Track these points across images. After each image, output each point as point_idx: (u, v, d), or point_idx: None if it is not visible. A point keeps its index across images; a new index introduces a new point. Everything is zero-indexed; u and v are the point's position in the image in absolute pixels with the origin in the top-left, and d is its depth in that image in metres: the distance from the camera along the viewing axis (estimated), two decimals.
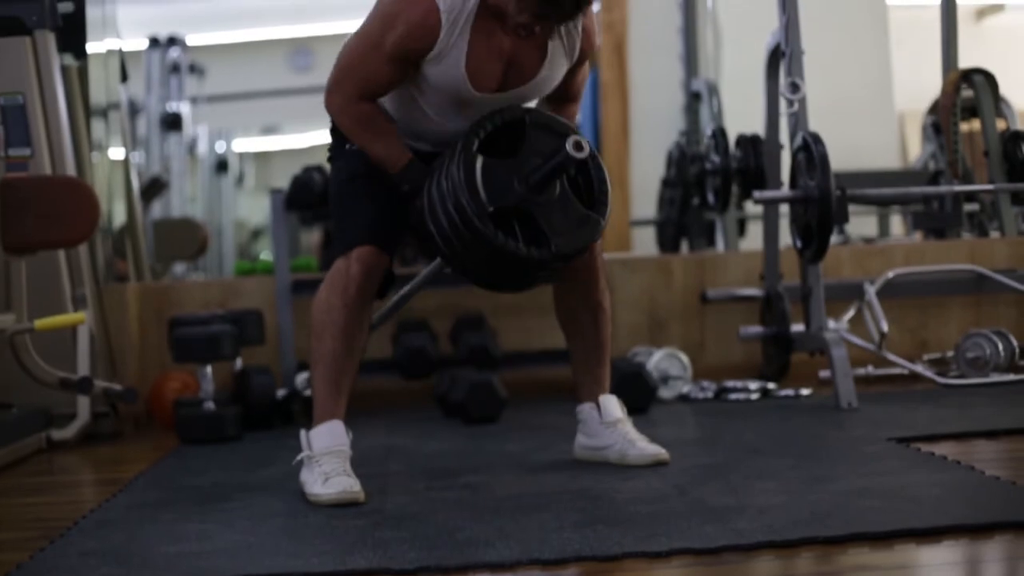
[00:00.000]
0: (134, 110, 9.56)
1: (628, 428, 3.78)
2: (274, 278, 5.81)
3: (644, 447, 3.70)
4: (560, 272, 3.60)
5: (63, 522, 3.33)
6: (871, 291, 5.37)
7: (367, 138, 3.54)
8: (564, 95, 3.68)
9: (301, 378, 5.22)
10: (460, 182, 3.35)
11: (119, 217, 6.06)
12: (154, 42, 10.67)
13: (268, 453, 4.42)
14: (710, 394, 5.32)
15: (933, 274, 5.97)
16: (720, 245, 7.19)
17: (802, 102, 5.00)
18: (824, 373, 5.41)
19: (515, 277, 3.52)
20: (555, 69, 3.54)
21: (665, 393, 5.30)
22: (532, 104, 3.66)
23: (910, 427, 4.18)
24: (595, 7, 3.52)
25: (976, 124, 6.30)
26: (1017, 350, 5.28)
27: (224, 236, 11.94)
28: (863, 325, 5.39)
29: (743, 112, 6.95)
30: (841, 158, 5.02)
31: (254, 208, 13.19)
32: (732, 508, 3.03)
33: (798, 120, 4.99)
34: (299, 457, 3.54)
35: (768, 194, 5.13)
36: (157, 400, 5.41)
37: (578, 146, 3.35)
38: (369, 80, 3.48)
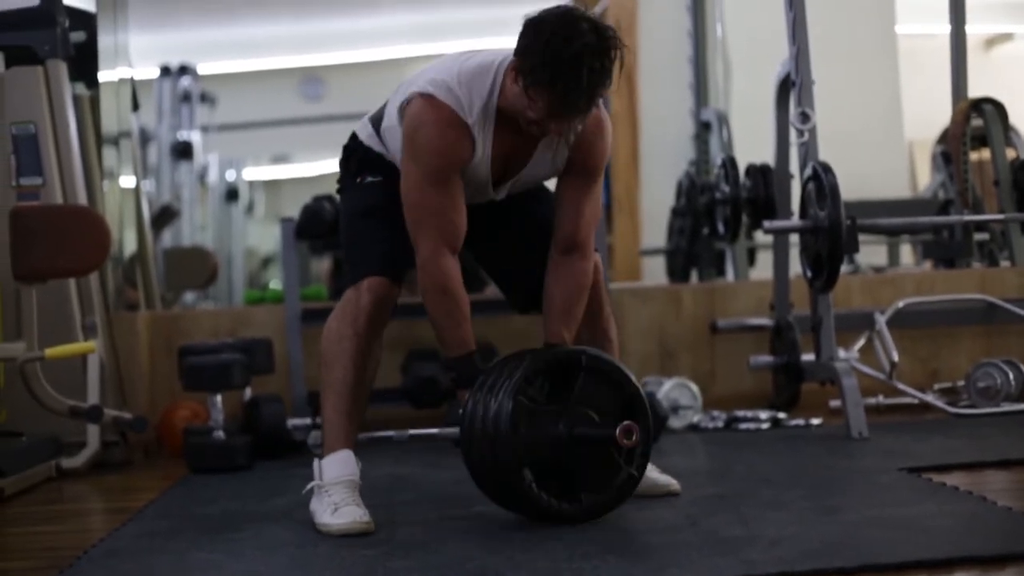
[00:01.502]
0: (145, 139, 9.58)
1: None
2: (284, 307, 5.81)
3: (655, 477, 3.69)
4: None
5: (72, 551, 3.33)
6: (881, 321, 5.36)
7: (438, 308, 3.48)
8: (583, 171, 3.58)
9: (314, 436, 5.14)
10: (503, 429, 3.30)
11: (130, 245, 6.06)
12: (165, 71, 10.71)
13: (278, 482, 4.41)
14: (720, 424, 5.31)
15: (943, 303, 5.96)
16: (730, 274, 7.20)
17: (812, 132, 5.00)
18: (835, 403, 5.40)
19: (528, 515, 3.43)
20: (550, 156, 3.53)
21: (675, 423, 5.29)
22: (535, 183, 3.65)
23: (921, 457, 4.17)
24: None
25: (986, 153, 6.30)
26: None
27: (234, 265, 11.96)
28: (873, 355, 5.38)
29: (753, 141, 6.95)
30: (850, 187, 5.02)
31: (264, 237, 13.20)
32: (743, 539, 3.02)
33: (808, 150, 4.99)
34: (309, 486, 3.54)
35: (778, 224, 5.14)
36: (167, 429, 5.41)
37: (627, 434, 3.28)
38: (445, 215, 3.44)
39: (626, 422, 3.29)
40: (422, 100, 3.42)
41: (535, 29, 3.26)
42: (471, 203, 3.54)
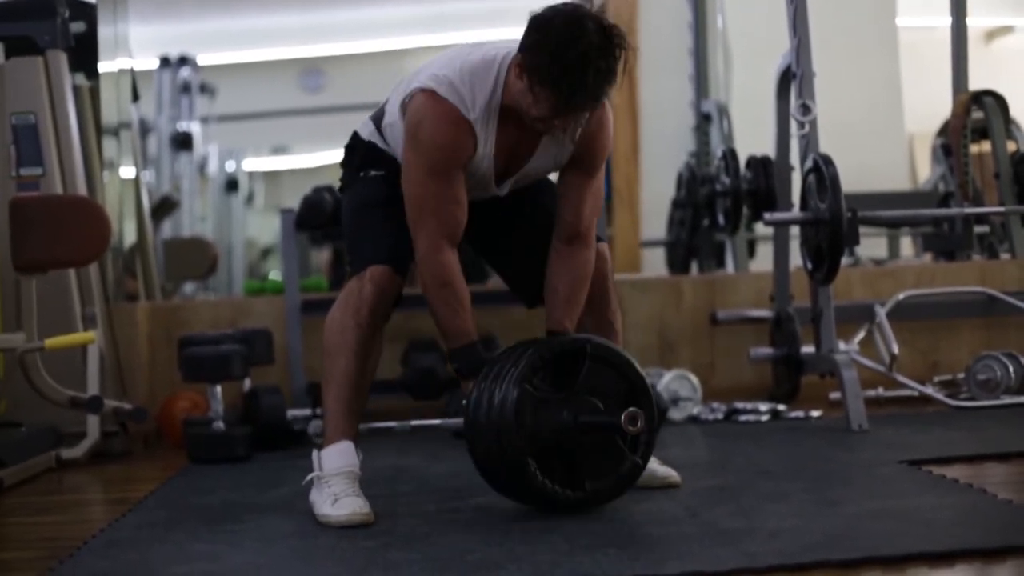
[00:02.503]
0: (145, 129, 9.58)
1: None
2: (284, 298, 5.82)
3: (655, 469, 3.69)
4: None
5: (72, 542, 3.33)
6: (881, 313, 5.36)
7: (439, 300, 3.48)
8: (585, 163, 3.59)
9: (314, 425, 5.15)
10: (509, 417, 3.30)
11: (129, 236, 6.06)
12: (165, 62, 10.71)
13: (277, 473, 4.41)
14: (720, 416, 5.31)
15: (944, 296, 5.96)
16: (730, 266, 7.19)
17: (813, 124, 5.00)
18: (834, 395, 5.39)
19: (533, 504, 3.44)
20: (554, 152, 3.53)
21: (675, 415, 5.30)
22: (537, 178, 3.65)
23: (921, 449, 4.17)
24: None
25: (986, 146, 6.30)
26: None
27: (234, 255, 11.96)
28: (873, 347, 5.38)
29: (753, 133, 6.94)
30: (851, 179, 5.01)
31: (264, 227, 13.20)
32: (743, 531, 3.02)
33: (809, 142, 4.98)
34: (309, 477, 3.54)
35: (779, 216, 5.14)
36: (167, 419, 5.41)
37: (632, 420, 3.29)
38: (446, 209, 3.44)
39: (631, 409, 3.30)
40: (424, 96, 3.41)
41: (541, 27, 3.25)
42: (474, 199, 3.54)
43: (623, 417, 3.29)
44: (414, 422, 3.81)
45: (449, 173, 3.43)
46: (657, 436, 3.52)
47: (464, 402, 3.46)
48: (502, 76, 3.40)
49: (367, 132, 3.70)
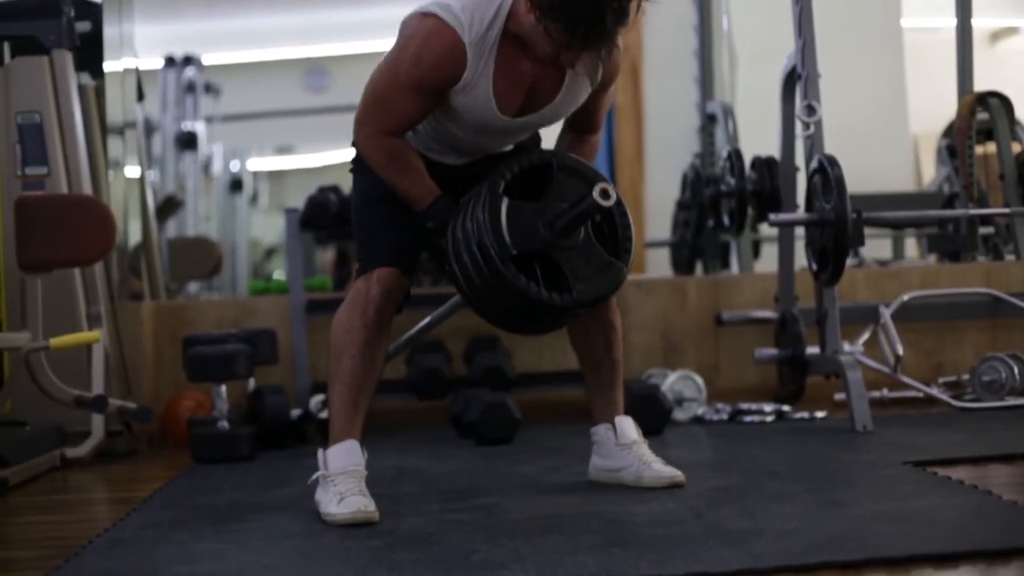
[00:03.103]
0: (150, 129, 9.57)
1: (644, 450, 3.77)
2: (288, 297, 5.82)
3: (660, 469, 3.69)
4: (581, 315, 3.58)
5: (77, 541, 3.33)
6: (886, 314, 5.36)
7: (394, 174, 3.53)
8: (586, 124, 3.67)
9: (315, 400, 5.21)
10: (484, 224, 3.34)
11: (134, 235, 6.07)
12: (170, 61, 10.71)
13: (282, 473, 4.42)
14: (725, 416, 5.31)
15: (948, 297, 5.96)
16: (735, 267, 7.19)
17: (818, 125, 5.00)
18: (839, 396, 5.39)
19: (536, 321, 3.51)
20: (573, 93, 3.53)
21: (680, 415, 5.30)
22: (558, 121, 3.66)
23: (926, 451, 4.16)
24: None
25: (991, 147, 6.30)
26: None
27: (238, 255, 11.96)
28: (878, 348, 5.38)
29: (758, 134, 6.95)
30: (855, 180, 5.01)
31: (268, 227, 13.20)
32: (748, 531, 3.02)
33: (814, 143, 4.98)
34: (314, 476, 3.54)
35: (784, 217, 5.13)
36: (171, 419, 5.42)
37: (605, 194, 3.33)
38: (397, 114, 3.47)
39: (601, 184, 3.35)
40: (419, 15, 3.43)
41: None
42: (475, 155, 3.54)
43: (595, 191, 3.33)
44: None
45: (421, 90, 3.42)
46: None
47: (442, 244, 3.49)
48: (506, 6, 3.38)
49: None
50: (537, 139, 3.80)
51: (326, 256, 10.72)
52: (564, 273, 3.40)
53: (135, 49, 6.24)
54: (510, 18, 3.38)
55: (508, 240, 3.34)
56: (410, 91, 3.42)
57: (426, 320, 4.26)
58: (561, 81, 3.49)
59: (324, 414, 5.05)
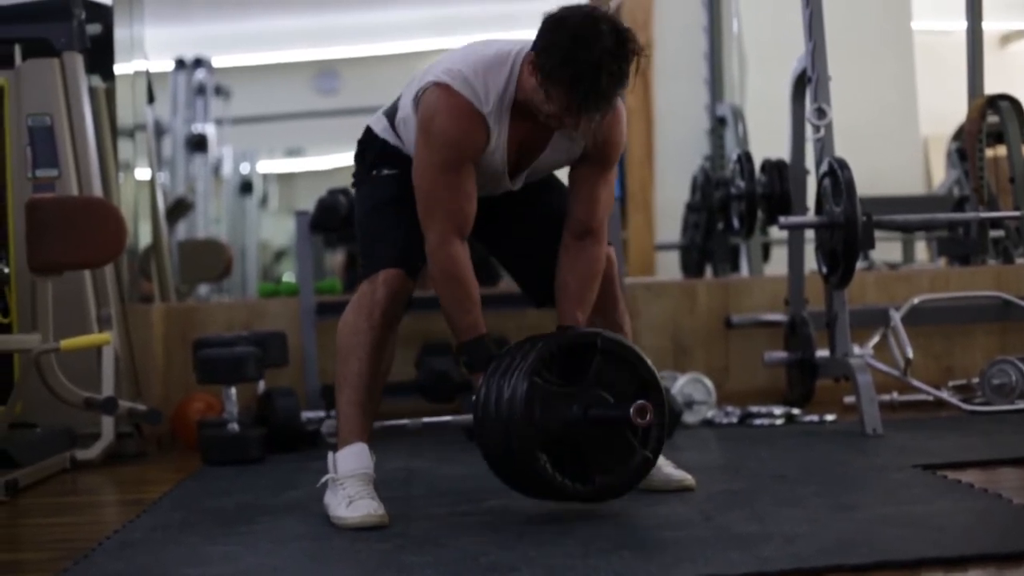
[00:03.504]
0: (160, 131, 9.59)
1: None
2: (298, 300, 5.82)
3: (669, 472, 3.69)
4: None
5: (87, 543, 3.34)
6: (896, 317, 5.35)
7: (449, 294, 3.49)
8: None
9: (328, 424, 5.16)
10: (518, 407, 3.29)
11: (144, 238, 6.07)
12: (180, 64, 10.73)
13: (292, 475, 4.42)
14: (734, 419, 5.31)
15: (958, 300, 5.95)
16: (744, 270, 7.18)
17: (828, 128, 5.00)
18: (849, 399, 5.39)
19: (541, 496, 3.44)
20: (565, 147, 3.53)
21: (689, 418, 5.29)
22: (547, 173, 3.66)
23: (936, 454, 4.16)
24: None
25: (1001, 150, 6.28)
26: None
27: (248, 257, 11.97)
28: (888, 351, 5.37)
29: (768, 137, 6.93)
30: (865, 183, 5.00)
31: (278, 230, 13.22)
32: (758, 535, 3.01)
33: (824, 145, 4.98)
34: (323, 479, 3.55)
35: (793, 220, 5.13)
36: (181, 421, 5.42)
37: (641, 413, 3.26)
38: (454, 202, 3.45)
39: (639, 401, 3.28)
40: (437, 89, 3.42)
41: (556, 28, 3.25)
42: (486, 195, 3.54)
43: (632, 409, 3.27)
44: (426, 419, 3.81)
45: (460, 167, 3.43)
46: (668, 432, 3.51)
47: (474, 397, 3.45)
48: (515, 71, 3.40)
49: (380, 128, 3.71)
50: (552, 180, 3.79)
51: (336, 259, 10.73)
52: (587, 458, 3.35)
53: (145, 51, 6.25)
54: (517, 84, 3.40)
55: (539, 430, 3.29)
56: (454, 174, 3.43)
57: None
58: (548, 136, 3.50)
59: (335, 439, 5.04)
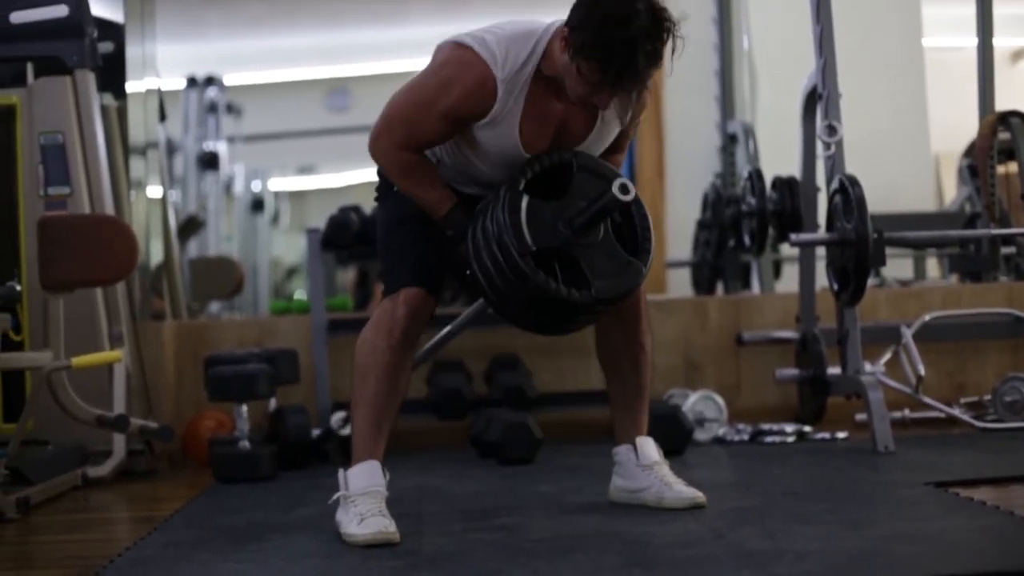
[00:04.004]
0: (172, 149, 9.61)
1: (665, 471, 3.76)
2: (309, 317, 5.83)
3: (681, 490, 3.69)
4: (601, 315, 3.59)
5: (98, 560, 3.34)
6: (908, 334, 5.35)
7: (411, 183, 3.54)
8: (611, 146, 3.67)
9: (336, 417, 5.22)
10: (504, 222, 3.35)
11: (156, 255, 6.08)
12: (192, 82, 10.75)
13: (303, 493, 4.42)
14: (746, 437, 5.30)
15: (970, 317, 5.94)
16: (756, 287, 7.18)
17: (839, 145, 5.00)
18: (860, 416, 5.38)
19: (556, 319, 3.51)
20: (602, 135, 3.55)
21: (701, 436, 5.29)
22: None
23: (948, 471, 4.15)
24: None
25: (1013, 167, 6.27)
26: None
27: (259, 275, 11.98)
28: (900, 368, 5.36)
29: (779, 154, 6.94)
30: (876, 200, 5.00)
31: (289, 247, 13.22)
32: (769, 553, 3.01)
33: (835, 162, 4.98)
34: (335, 497, 3.54)
35: (805, 237, 5.13)
36: (192, 438, 5.43)
37: (624, 189, 3.34)
38: (417, 135, 3.47)
39: (620, 180, 3.36)
40: (453, 44, 3.45)
41: (591, 4, 3.25)
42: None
43: (614, 188, 3.32)
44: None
45: (446, 117, 3.43)
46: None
47: (462, 249, 3.49)
48: (540, 47, 3.40)
49: None
50: None
51: (347, 276, 10.73)
52: (583, 270, 3.40)
53: (157, 69, 6.27)
54: (544, 59, 3.39)
55: (528, 237, 3.35)
56: (435, 116, 3.43)
57: (448, 328, 4.25)
58: (593, 123, 3.51)
59: (346, 431, 5.06)
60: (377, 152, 3.54)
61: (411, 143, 3.49)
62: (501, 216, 3.36)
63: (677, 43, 3.30)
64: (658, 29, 3.23)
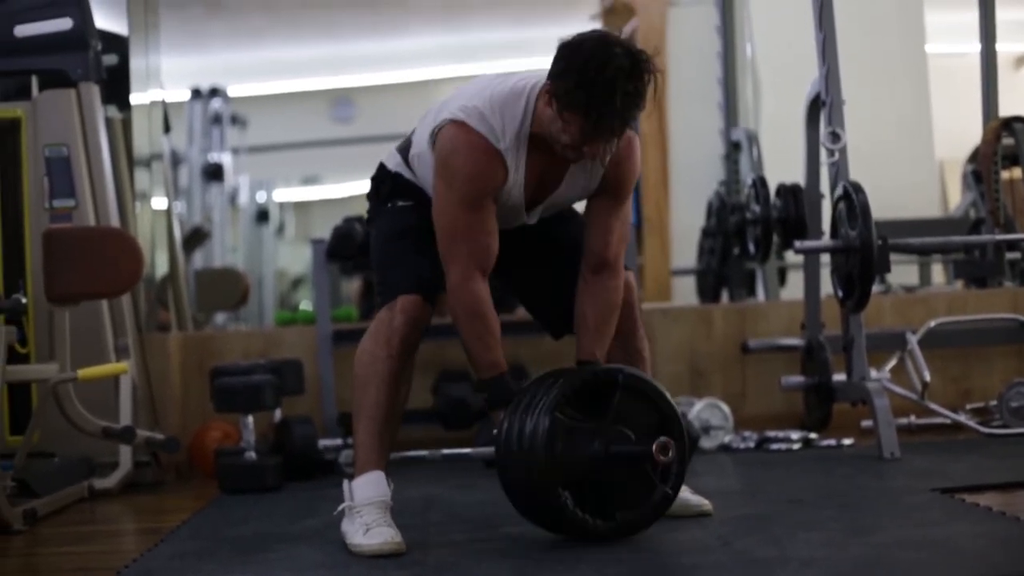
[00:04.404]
0: (176, 160, 9.63)
1: None
2: (315, 328, 5.83)
3: (687, 498, 3.69)
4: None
5: (105, 572, 3.35)
6: (913, 340, 5.34)
7: (475, 333, 3.48)
8: (613, 190, 3.58)
9: (345, 455, 5.16)
10: (540, 441, 3.30)
11: (161, 267, 6.09)
12: (196, 93, 10.78)
13: (309, 503, 4.42)
14: (751, 444, 5.30)
15: (975, 323, 5.94)
16: (761, 295, 7.18)
17: (843, 151, 5.00)
18: (866, 423, 5.38)
19: (557, 529, 3.43)
20: (576, 182, 3.54)
21: (706, 443, 5.29)
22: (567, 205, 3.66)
23: (953, 477, 4.15)
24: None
25: (1017, 172, 6.28)
26: None
27: (265, 286, 11.99)
28: (905, 375, 5.36)
29: (783, 161, 6.94)
30: (881, 207, 5.01)
31: (294, 258, 13.23)
32: (776, 560, 3.01)
33: (839, 169, 4.98)
34: (340, 507, 3.54)
35: (809, 244, 5.13)
36: (198, 449, 5.43)
37: (664, 450, 3.28)
38: (476, 238, 3.45)
39: (662, 438, 3.29)
40: (454, 126, 3.42)
41: (570, 53, 3.27)
42: (503, 228, 3.54)
43: (654, 447, 3.27)
44: (445, 451, 3.80)
45: (480, 203, 3.43)
46: (688, 465, 3.51)
47: (495, 432, 3.45)
48: (531, 105, 3.41)
49: (393, 163, 3.72)
50: (566, 212, 3.79)
51: (352, 286, 10.73)
52: (609, 494, 3.36)
53: (161, 81, 6.28)
54: (534, 118, 3.40)
55: (561, 467, 3.30)
56: (474, 210, 3.43)
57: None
58: (564, 173, 3.51)
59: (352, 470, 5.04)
60: (451, 288, 3.47)
61: (477, 252, 3.45)
62: (540, 435, 3.30)
63: (658, 83, 3.29)
64: (637, 71, 3.24)
